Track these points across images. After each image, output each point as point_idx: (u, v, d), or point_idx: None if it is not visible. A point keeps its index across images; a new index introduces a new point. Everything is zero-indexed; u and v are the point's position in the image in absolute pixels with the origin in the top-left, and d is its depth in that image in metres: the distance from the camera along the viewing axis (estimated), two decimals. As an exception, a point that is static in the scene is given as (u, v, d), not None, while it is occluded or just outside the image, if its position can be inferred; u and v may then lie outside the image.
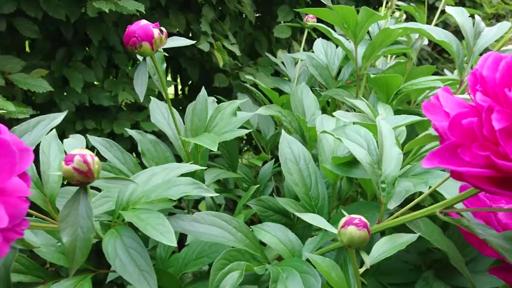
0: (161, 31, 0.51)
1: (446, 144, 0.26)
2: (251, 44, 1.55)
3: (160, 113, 0.78)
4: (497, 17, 2.35)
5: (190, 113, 0.68)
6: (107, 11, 0.87)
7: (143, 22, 0.51)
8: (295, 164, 0.62)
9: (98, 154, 0.59)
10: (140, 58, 0.55)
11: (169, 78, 1.45)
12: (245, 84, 1.11)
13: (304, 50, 1.19)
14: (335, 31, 0.95)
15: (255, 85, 1.08)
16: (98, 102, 1.06)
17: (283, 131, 0.65)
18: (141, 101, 0.51)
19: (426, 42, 1.12)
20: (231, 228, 0.52)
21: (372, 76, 0.82)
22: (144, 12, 0.94)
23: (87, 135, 0.67)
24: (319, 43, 1.10)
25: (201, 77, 1.40)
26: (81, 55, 1.06)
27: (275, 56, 1.33)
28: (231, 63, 1.39)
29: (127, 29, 0.50)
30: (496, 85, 0.25)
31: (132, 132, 0.71)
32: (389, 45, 0.91)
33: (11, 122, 0.85)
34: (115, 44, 1.11)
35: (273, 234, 0.55)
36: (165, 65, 0.60)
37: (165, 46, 0.55)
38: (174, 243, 0.40)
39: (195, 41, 0.59)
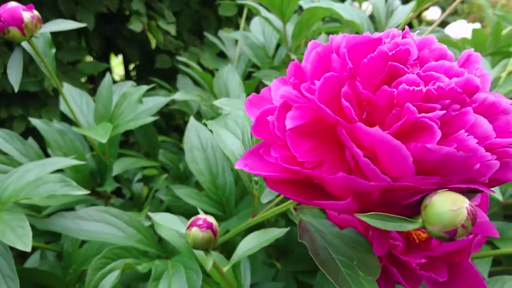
0: (34, 14, 0.47)
1: (257, 145, 0.24)
2: (199, 22, 1.49)
3: (72, 101, 0.74)
4: None
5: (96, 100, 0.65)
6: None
7: (11, 4, 0.46)
8: (202, 152, 0.59)
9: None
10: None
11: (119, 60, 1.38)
12: (184, 65, 1.06)
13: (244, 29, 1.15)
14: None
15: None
16: (22, 88, 1.00)
17: (191, 117, 0.62)
18: (16, 91, 0.47)
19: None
20: (121, 223, 0.50)
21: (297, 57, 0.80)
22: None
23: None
24: (256, 21, 1.06)
25: (143, 58, 1.35)
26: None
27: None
28: (175, 43, 1.34)
29: (-7, 12, 0.46)
30: (307, 78, 0.23)
31: (36, 122, 0.66)
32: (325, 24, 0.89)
33: None
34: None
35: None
36: (54, 50, 0.56)
37: (46, 30, 0.51)
38: (28, 248, 0.37)
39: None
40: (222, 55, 1.37)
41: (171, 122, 1.36)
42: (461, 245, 0.33)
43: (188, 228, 0.32)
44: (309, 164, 0.21)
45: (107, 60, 1.36)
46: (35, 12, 0.48)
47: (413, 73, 0.22)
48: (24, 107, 1.04)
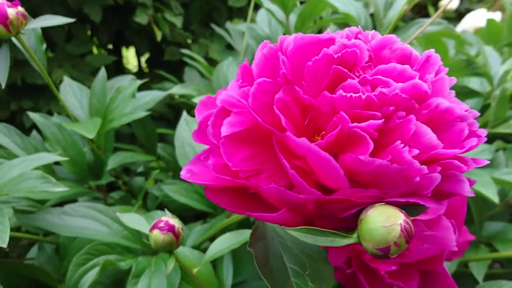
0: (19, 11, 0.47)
1: (201, 151, 0.23)
2: (209, 13, 1.48)
3: (72, 95, 0.75)
4: None
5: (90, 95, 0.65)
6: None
7: (-3, 1, 0.46)
8: (192, 148, 0.59)
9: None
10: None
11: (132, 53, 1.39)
12: (189, 58, 1.06)
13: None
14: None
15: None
16: (31, 81, 1.02)
17: (184, 112, 0.61)
18: (3, 88, 0.48)
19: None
20: (106, 219, 0.50)
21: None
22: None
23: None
24: (262, 12, 1.04)
25: (153, 50, 1.35)
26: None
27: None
28: (184, 34, 1.34)
29: (-21, 9, 0.46)
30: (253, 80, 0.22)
31: (34, 116, 0.67)
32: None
33: None
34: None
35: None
36: (44, 45, 0.56)
37: (34, 26, 0.51)
38: (4, 244, 0.38)
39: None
40: (231, 47, 1.35)
41: (180, 114, 1.36)
42: (434, 252, 0.31)
43: (150, 230, 0.31)
44: (244, 173, 0.20)
45: (119, 53, 1.37)
46: (20, 9, 0.48)
47: (360, 77, 0.21)
48: (34, 100, 1.06)
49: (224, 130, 0.20)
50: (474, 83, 0.84)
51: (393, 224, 0.18)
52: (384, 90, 0.20)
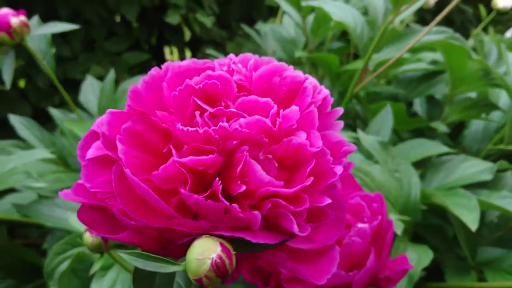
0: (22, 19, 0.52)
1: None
2: (249, 12, 1.50)
3: (92, 92, 0.80)
4: None
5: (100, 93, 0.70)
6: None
7: (2, 10, 0.51)
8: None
9: None
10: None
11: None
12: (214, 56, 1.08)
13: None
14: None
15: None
16: (72, 76, 1.11)
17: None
18: (8, 88, 0.53)
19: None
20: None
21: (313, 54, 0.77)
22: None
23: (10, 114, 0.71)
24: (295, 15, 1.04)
25: (192, 48, 1.39)
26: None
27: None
28: (220, 33, 1.37)
29: (-12, 18, 0.52)
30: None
31: (54, 111, 0.74)
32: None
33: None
34: (91, 17, 1.13)
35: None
36: (53, 49, 0.61)
37: (39, 32, 0.56)
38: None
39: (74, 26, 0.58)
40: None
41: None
42: (343, 280, 0.31)
43: (84, 231, 0.34)
44: (102, 195, 0.22)
45: (161, 50, 1.43)
46: (22, 18, 0.52)
47: (215, 109, 0.21)
48: (74, 94, 1.15)
49: (88, 153, 0.22)
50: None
51: (205, 258, 0.19)
52: (225, 124, 0.20)
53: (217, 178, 0.19)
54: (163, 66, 0.24)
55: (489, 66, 0.65)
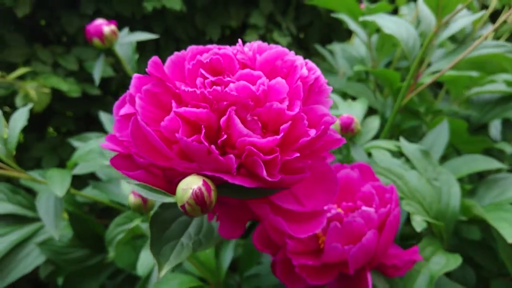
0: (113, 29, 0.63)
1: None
2: (329, 34, 1.54)
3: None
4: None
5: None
6: (150, 8, 1.02)
7: (98, 21, 0.63)
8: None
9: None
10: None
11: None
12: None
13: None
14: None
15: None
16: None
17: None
18: (97, 85, 0.64)
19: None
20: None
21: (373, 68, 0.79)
22: (184, 8, 1.07)
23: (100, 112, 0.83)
24: (361, 34, 1.06)
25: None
26: (151, 44, 1.25)
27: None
28: (298, 52, 1.43)
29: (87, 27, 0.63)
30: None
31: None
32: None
33: (66, 99, 1.08)
34: (181, 35, 1.27)
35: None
36: (137, 56, 0.71)
37: (126, 40, 0.66)
38: (60, 193, 0.52)
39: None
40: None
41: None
42: (343, 257, 0.33)
43: (129, 194, 0.41)
44: (127, 143, 0.27)
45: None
46: (113, 27, 0.63)
47: (216, 77, 0.26)
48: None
49: (121, 112, 0.28)
50: None
51: (188, 188, 0.23)
52: (218, 88, 0.25)
53: (203, 126, 0.24)
54: (187, 49, 0.30)
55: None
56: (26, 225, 0.71)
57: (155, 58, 0.27)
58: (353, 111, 0.59)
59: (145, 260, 0.52)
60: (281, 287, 0.59)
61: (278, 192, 0.27)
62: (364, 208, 0.34)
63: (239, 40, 0.30)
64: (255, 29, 1.21)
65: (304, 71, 0.27)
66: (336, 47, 1.04)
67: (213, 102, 0.25)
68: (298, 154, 0.25)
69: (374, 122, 0.67)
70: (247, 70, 0.27)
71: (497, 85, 0.82)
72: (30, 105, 0.61)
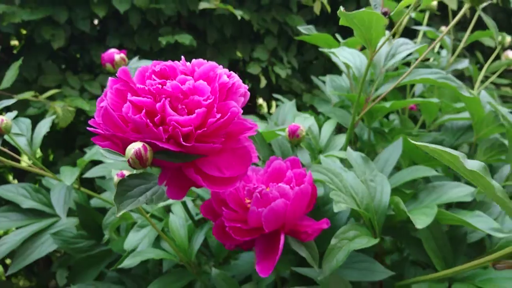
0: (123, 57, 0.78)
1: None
2: (330, 69, 1.68)
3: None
4: None
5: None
6: (164, 43, 1.19)
7: (111, 50, 0.78)
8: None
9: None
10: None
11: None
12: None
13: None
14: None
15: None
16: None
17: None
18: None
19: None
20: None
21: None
22: (195, 45, 1.23)
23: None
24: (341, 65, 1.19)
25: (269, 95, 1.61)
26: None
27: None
28: (300, 85, 1.56)
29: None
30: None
31: None
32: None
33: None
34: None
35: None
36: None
37: (133, 65, 0.81)
38: (68, 182, 0.65)
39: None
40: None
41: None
42: (253, 215, 0.43)
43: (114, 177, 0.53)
44: (103, 125, 0.40)
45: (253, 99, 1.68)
46: (122, 55, 0.78)
47: (161, 80, 0.39)
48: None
49: (101, 104, 0.41)
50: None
51: (132, 148, 0.35)
52: (159, 85, 0.37)
53: (144, 108, 0.36)
54: (151, 63, 0.43)
55: (496, 107, 0.71)
56: (44, 219, 0.85)
57: (124, 68, 0.40)
58: (305, 123, 0.70)
59: (132, 239, 0.64)
60: (252, 277, 0.69)
61: (203, 161, 0.39)
62: (280, 184, 0.45)
63: (182, 57, 0.43)
64: (258, 62, 1.35)
65: (225, 78, 0.40)
66: (327, 78, 1.16)
67: (155, 94, 0.38)
68: (205, 129, 0.36)
69: (341, 139, 0.78)
70: (183, 76, 0.39)
71: (463, 114, 0.92)
72: (53, 116, 0.75)
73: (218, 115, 0.37)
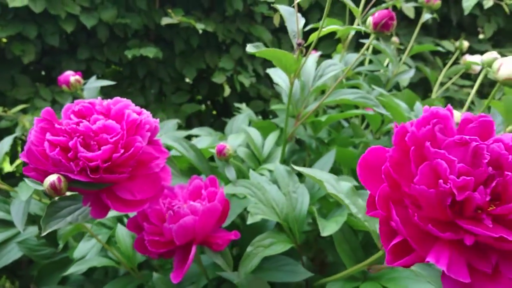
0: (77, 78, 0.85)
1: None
2: (298, 74, 1.74)
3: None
4: None
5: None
6: (130, 56, 1.25)
7: (67, 72, 0.85)
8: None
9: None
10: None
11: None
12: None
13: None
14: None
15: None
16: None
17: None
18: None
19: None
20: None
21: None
22: (161, 56, 1.29)
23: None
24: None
25: (244, 102, 1.67)
26: (137, 84, 1.48)
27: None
28: (268, 92, 1.63)
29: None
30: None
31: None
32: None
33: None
34: (164, 77, 1.49)
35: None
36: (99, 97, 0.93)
37: (89, 86, 0.88)
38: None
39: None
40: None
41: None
42: (165, 231, 0.51)
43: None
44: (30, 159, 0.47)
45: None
46: (77, 77, 0.85)
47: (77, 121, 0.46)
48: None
49: (29, 139, 0.48)
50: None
51: (47, 181, 0.42)
52: (74, 125, 0.44)
53: (59, 146, 0.43)
54: (75, 102, 0.50)
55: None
56: (11, 228, 0.92)
57: (47, 108, 0.47)
58: (235, 142, 0.78)
59: (82, 247, 0.71)
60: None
61: (117, 186, 0.46)
62: (191, 202, 0.53)
63: (99, 98, 0.50)
64: (223, 71, 1.42)
65: (134, 116, 0.47)
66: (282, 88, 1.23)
67: (71, 133, 0.45)
68: (110, 163, 0.43)
69: (278, 151, 0.86)
70: (95, 116, 0.46)
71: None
72: (14, 135, 0.82)
73: (122, 151, 0.44)
